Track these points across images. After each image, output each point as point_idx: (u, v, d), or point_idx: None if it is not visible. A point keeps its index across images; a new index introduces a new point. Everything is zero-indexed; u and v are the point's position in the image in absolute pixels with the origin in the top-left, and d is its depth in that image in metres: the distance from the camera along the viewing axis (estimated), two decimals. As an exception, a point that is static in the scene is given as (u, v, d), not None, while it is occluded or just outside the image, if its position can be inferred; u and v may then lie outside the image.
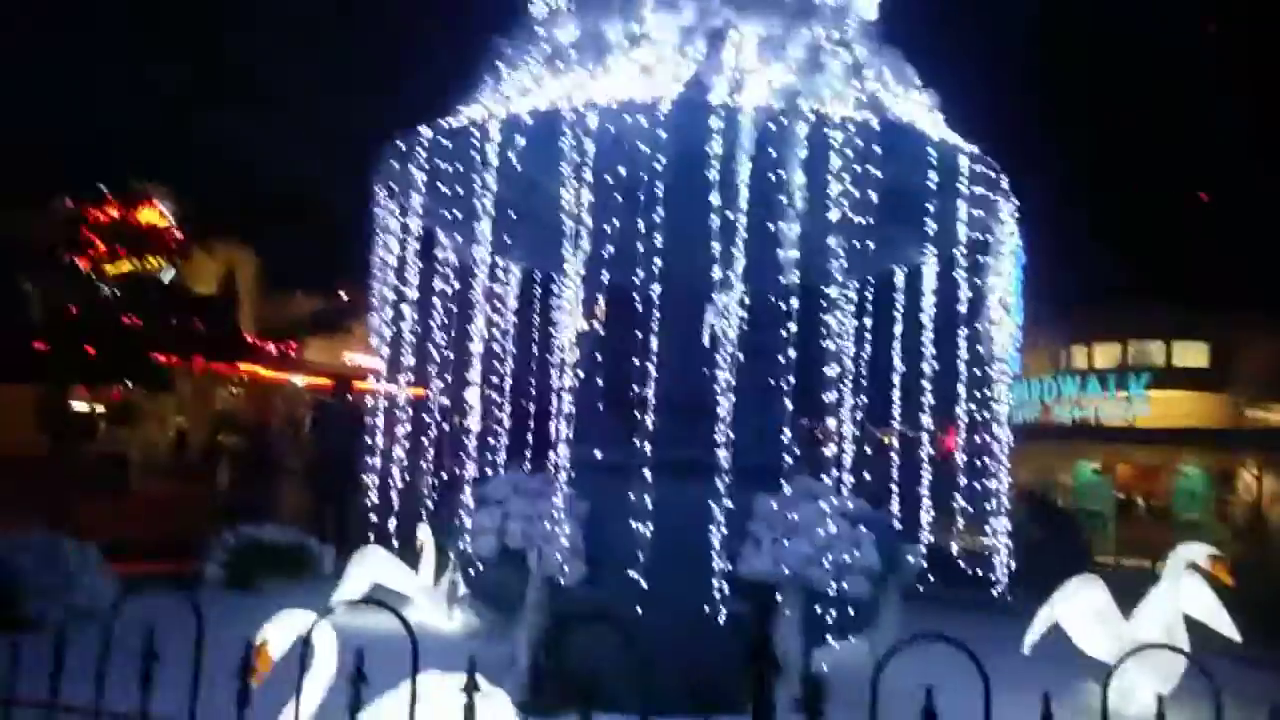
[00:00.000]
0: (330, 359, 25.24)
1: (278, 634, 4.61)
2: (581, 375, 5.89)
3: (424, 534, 8.34)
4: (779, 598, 5.55)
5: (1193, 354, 30.92)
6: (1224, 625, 6.08)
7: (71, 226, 12.17)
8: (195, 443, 24.04)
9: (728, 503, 5.43)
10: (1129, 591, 6.55)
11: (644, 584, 5.45)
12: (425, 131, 5.79)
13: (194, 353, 12.79)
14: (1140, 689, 5.47)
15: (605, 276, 5.59)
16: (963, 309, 6.26)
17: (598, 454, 6.03)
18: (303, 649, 3.77)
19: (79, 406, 17.38)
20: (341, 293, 26.12)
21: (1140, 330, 30.36)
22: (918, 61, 6.23)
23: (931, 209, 5.51)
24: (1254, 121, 30.71)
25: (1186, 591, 6.11)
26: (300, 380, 27.53)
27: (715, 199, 5.10)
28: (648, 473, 5.51)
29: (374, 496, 7.23)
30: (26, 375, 12.42)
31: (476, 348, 6.05)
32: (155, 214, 14.00)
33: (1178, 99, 32.04)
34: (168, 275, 14.66)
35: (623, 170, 5.23)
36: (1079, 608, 6.30)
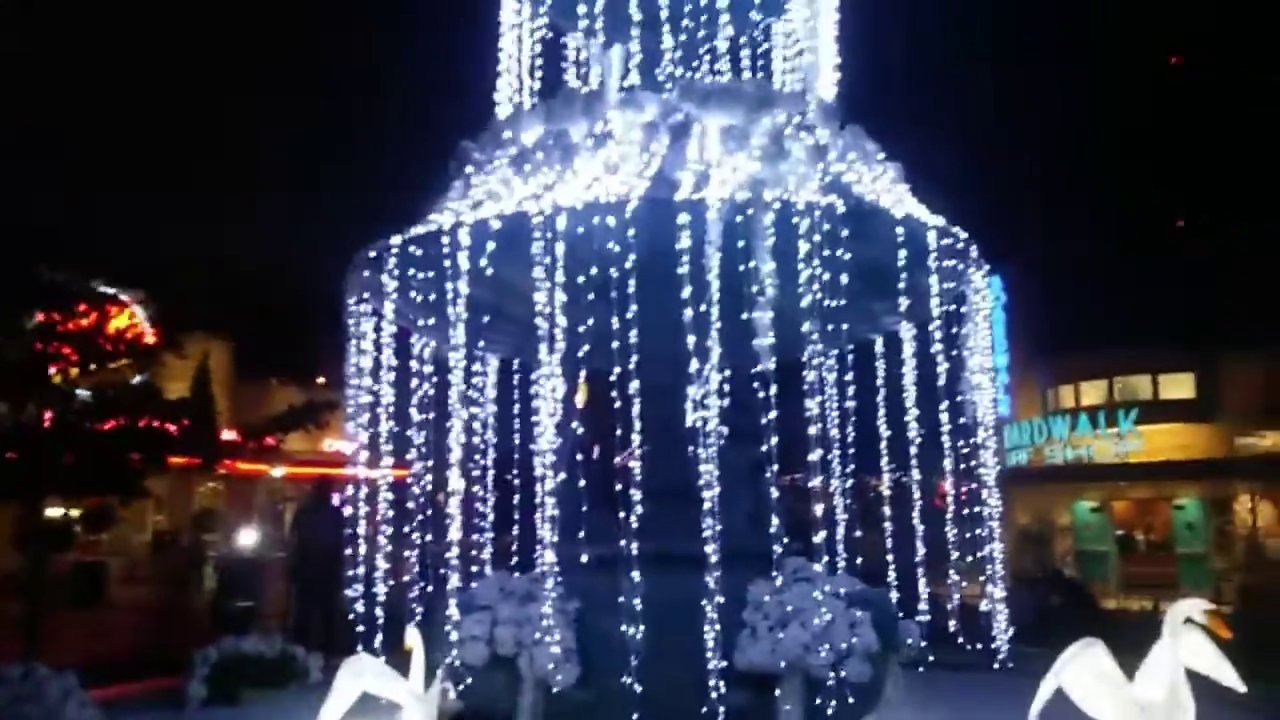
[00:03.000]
0: (309, 447, 24.97)
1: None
2: (564, 470, 5.82)
3: (413, 638, 8.12)
4: (778, 689, 5.44)
5: (1179, 386, 31.13)
6: (1227, 677, 6.01)
7: (43, 339, 11.97)
8: (176, 545, 23.60)
9: (719, 594, 5.33)
10: (1136, 640, 6.47)
11: (638, 684, 5.33)
12: (395, 240, 5.79)
13: (169, 456, 12.52)
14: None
15: (582, 372, 5.56)
16: (944, 374, 6.27)
17: (584, 552, 5.94)
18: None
19: (54, 513, 17.00)
20: (320, 379, 25.95)
21: (1126, 366, 30.63)
22: (884, 129, 6.33)
23: (903, 284, 5.54)
24: (1227, 153, 31.42)
25: (1187, 647, 6.04)
26: (279, 471, 27.14)
27: (687, 291, 5.11)
28: (636, 567, 5.42)
29: (361, 601, 7.07)
30: (1, 492, 12.13)
31: (456, 449, 5.97)
32: (126, 318, 13.82)
33: (1147, 135, 32.79)
34: (139, 378, 14.42)
35: (594, 268, 5.23)
36: (1082, 673, 6.20)
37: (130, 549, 25.15)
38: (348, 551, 7.36)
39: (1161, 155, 32.40)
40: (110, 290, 13.05)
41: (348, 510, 6.95)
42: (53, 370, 12.54)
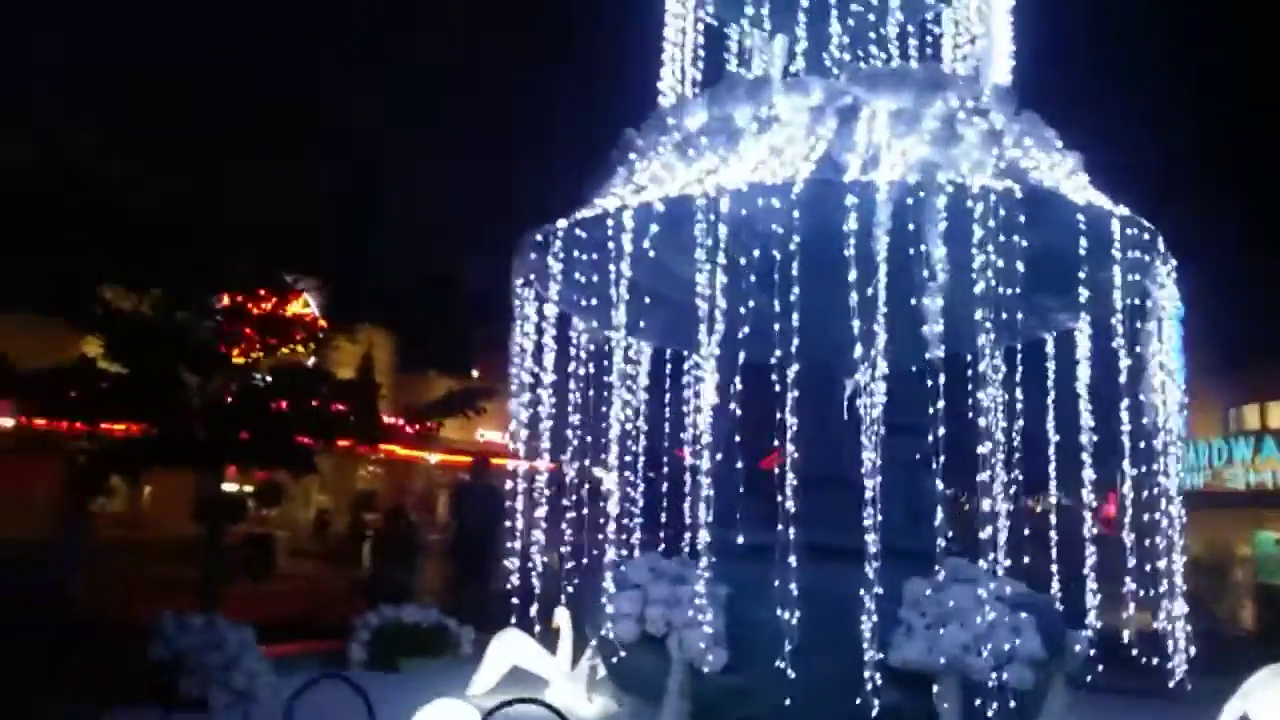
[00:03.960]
0: (464, 436, 25.91)
1: (429, 724, 4.64)
2: (719, 456, 5.81)
3: (561, 616, 8.30)
4: (934, 689, 5.28)
5: (1380, 409, 28.46)
6: None
7: (229, 321, 12.87)
8: (338, 522, 24.94)
9: (877, 588, 5.21)
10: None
11: (789, 672, 5.27)
12: (561, 223, 5.92)
13: (338, 436, 13.22)
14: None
15: (741, 356, 5.53)
16: (1122, 375, 5.92)
17: (739, 538, 5.92)
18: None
19: (228, 488, 18.22)
20: (475, 372, 26.85)
21: (1320, 386, 28.21)
22: (1060, 118, 6.04)
23: (1083, 276, 5.27)
24: None
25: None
26: (435, 458, 28.27)
27: (852, 275, 5.01)
28: (791, 556, 5.37)
29: (513, 578, 7.28)
30: (186, 461, 13.09)
31: (614, 429, 6.06)
32: (301, 304, 14.74)
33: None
34: (310, 361, 15.35)
35: (757, 251, 5.21)
36: (1274, 699, 5.74)
37: (295, 525, 26.69)
38: (504, 530, 7.59)
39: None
40: (289, 278, 13.92)
41: (506, 487, 7.15)
42: (235, 350, 13.50)
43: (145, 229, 12.23)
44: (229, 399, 13.02)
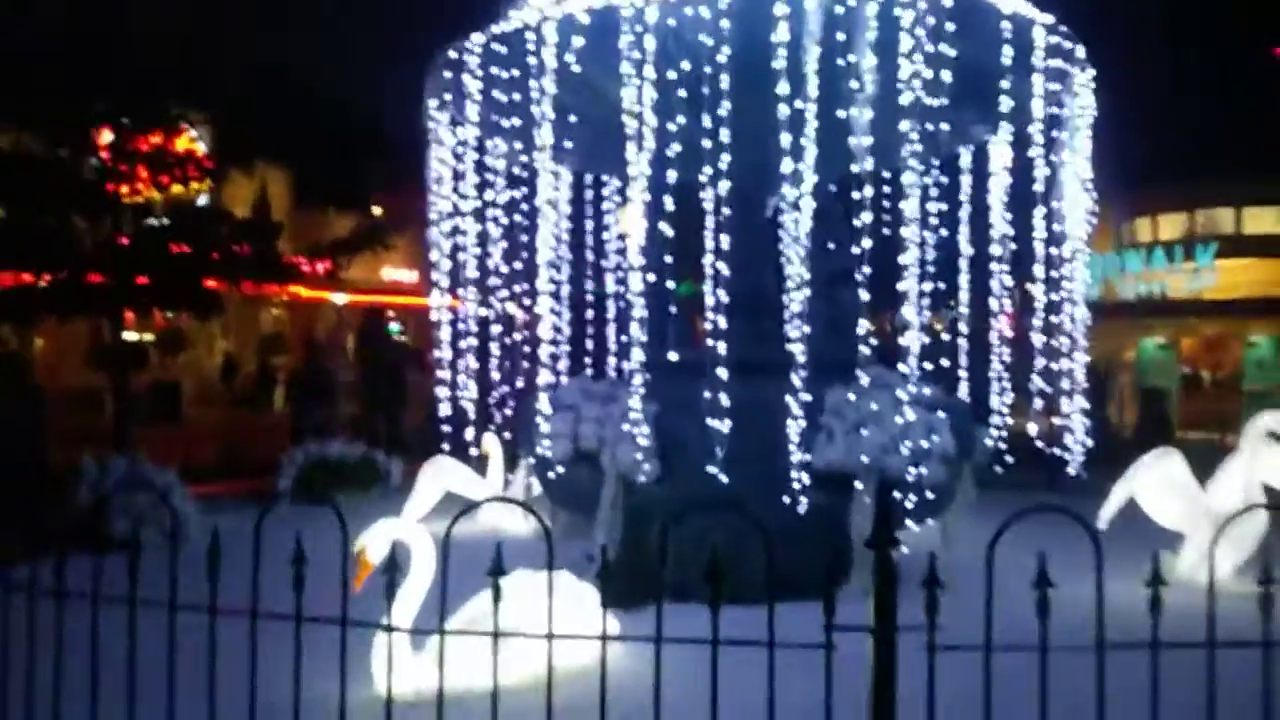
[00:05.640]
0: (369, 274, 25.33)
1: (376, 540, 4.75)
2: (647, 278, 5.84)
3: (490, 441, 8.47)
4: (857, 485, 5.59)
5: (1263, 220, 29.81)
6: None
7: (115, 157, 12.09)
8: (246, 366, 24.48)
9: (803, 396, 5.41)
10: (1199, 465, 6.53)
11: (720, 478, 5.51)
12: (477, 38, 5.63)
13: (242, 277, 12.82)
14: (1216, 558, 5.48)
15: (669, 176, 5.47)
16: (1037, 185, 6.07)
17: (671, 355, 6.04)
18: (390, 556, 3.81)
19: (128, 336, 17.65)
20: (375, 208, 26.03)
21: (1208, 199, 29.26)
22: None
23: (1006, 86, 5.31)
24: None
25: (1265, 460, 6.05)
26: (342, 298, 27.70)
27: (782, 89, 4.94)
28: (715, 372, 5.51)
29: (443, 408, 7.33)
30: (84, 309, 12.54)
31: (542, 255, 6.01)
32: (187, 140, 13.91)
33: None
34: (203, 199, 14.65)
35: (685, 65, 5.07)
36: (1155, 481, 6.26)
37: (200, 371, 26.10)
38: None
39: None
40: (177, 110, 13.05)
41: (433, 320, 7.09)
42: (125, 189, 12.74)
43: (20, 62, 11.25)
44: (124, 242, 12.40)
